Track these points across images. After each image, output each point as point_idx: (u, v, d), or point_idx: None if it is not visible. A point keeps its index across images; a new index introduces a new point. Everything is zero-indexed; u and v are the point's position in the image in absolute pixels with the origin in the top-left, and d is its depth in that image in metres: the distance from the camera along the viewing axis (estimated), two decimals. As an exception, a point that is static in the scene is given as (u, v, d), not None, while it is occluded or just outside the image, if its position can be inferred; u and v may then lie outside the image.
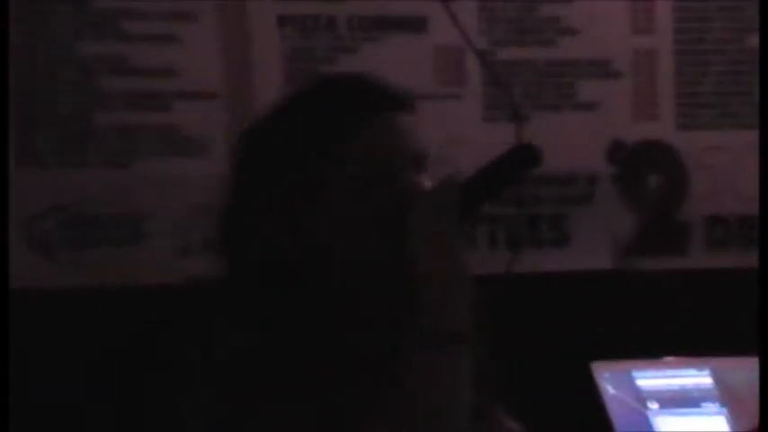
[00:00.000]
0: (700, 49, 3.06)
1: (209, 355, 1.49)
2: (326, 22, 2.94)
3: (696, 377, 2.62)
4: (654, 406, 2.58)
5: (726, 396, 2.59)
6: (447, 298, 1.44)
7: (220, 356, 1.48)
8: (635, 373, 2.60)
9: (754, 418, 2.21)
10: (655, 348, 2.71)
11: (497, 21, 2.99)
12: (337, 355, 1.48)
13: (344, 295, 1.51)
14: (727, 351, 2.66)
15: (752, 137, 3.03)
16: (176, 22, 2.88)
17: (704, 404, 2.59)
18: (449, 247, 1.44)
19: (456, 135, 2.91)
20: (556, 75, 3.01)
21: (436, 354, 1.43)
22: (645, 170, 3.05)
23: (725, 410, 2.59)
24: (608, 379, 2.58)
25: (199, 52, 2.89)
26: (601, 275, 2.99)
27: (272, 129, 1.56)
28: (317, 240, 1.50)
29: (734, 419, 2.57)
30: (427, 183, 1.52)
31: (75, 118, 2.86)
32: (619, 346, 2.73)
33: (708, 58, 3.06)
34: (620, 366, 2.62)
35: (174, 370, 1.52)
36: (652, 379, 2.61)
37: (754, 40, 3.07)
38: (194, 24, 2.89)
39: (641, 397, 2.58)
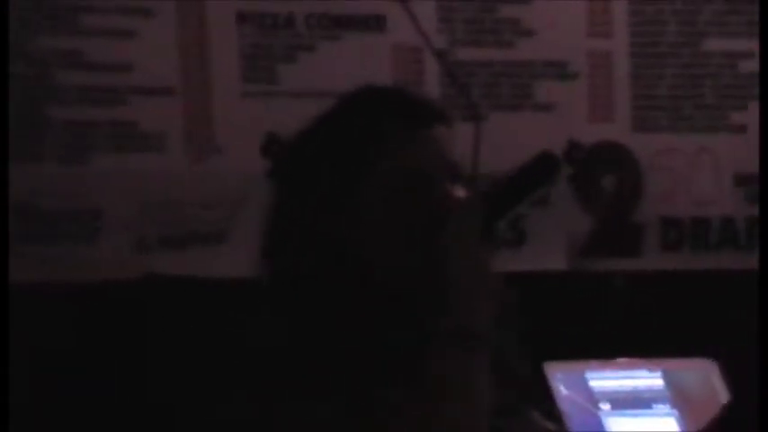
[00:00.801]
0: (655, 53, 3.07)
1: (242, 354, 1.53)
2: (285, 20, 2.94)
3: (648, 378, 2.64)
4: (606, 407, 2.60)
5: (676, 397, 2.61)
6: (471, 301, 1.48)
7: (253, 356, 1.52)
8: (588, 374, 2.62)
9: (703, 419, 2.23)
10: (608, 349, 2.72)
11: (456, 21, 3.00)
12: (364, 357, 1.52)
13: (376, 299, 1.54)
14: (679, 352, 2.69)
15: (706, 140, 3.06)
16: (134, 18, 2.87)
17: (655, 405, 2.61)
18: (475, 253, 1.49)
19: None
20: (513, 75, 3.02)
21: (457, 354, 1.46)
22: (600, 171, 3.06)
23: (675, 411, 2.61)
24: (561, 379, 2.59)
25: (156, 48, 2.88)
26: (555, 276, 3.00)
27: (313, 137, 1.60)
28: (353, 246, 1.54)
29: (684, 420, 2.59)
30: (460, 193, 1.56)
31: (31, 112, 2.84)
32: (572, 346, 2.74)
33: (663, 61, 3.07)
34: (572, 367, 2.63)
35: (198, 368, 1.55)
36: (604, 380, 2.62)
37: (709, 44, 3.09)
38: (152, 20, 2.88)
39: (593, 398, 2.60)
